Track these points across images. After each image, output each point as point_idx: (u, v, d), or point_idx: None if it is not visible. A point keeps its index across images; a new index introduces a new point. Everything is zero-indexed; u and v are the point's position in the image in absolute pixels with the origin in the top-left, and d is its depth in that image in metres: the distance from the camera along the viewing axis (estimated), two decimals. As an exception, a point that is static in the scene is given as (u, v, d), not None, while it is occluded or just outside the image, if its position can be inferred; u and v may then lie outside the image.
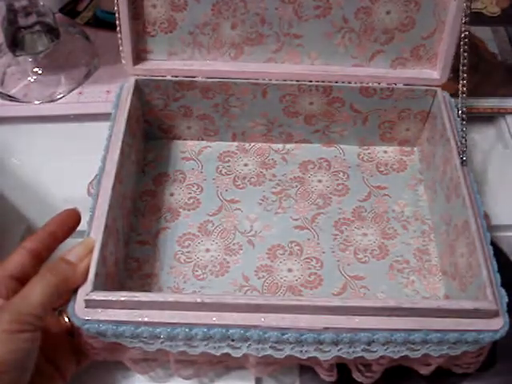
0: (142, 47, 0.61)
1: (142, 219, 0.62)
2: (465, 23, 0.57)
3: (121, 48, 0.60)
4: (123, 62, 0.61)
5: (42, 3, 0.71)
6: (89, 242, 0.49)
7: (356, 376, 0.52)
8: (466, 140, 0.57)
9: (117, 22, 0.58)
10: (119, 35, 0.59)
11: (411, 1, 0.58)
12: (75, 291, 0.48)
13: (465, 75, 0.58)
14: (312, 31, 0.60)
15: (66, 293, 0.47)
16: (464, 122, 0.57)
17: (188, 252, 0.60)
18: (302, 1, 0.58)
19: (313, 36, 0.61)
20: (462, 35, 0.57)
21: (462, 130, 0.57)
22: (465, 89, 0.58)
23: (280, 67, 0.63)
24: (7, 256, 0.49)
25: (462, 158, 0.56)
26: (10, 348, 0.42)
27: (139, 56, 0.62)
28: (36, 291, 0.45)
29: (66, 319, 0.52)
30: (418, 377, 0.53)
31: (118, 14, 0.58)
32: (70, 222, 0.52)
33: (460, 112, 0.58)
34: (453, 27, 0.58)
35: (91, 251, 0.49)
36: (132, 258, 0.59)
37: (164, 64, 0.62)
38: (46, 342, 0.48)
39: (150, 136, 0.68)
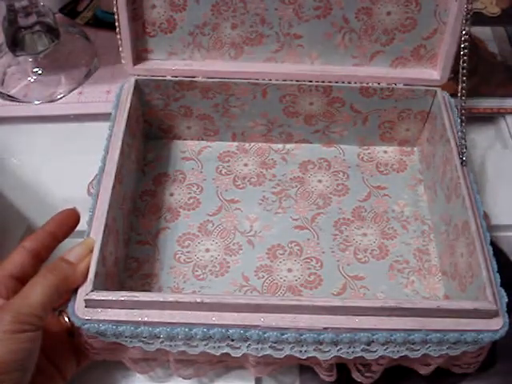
0: (141, 47, 0.61)
1: (142, 219, 0.62)
2: (466, 24, 0.57)
3: (120, 49, 0.60)
4: (123, 62, 0.61)
5: (42, 3, 0.71)
6: (89, 242, 0.49)
7: (355, 376, 0.52)
8: (465, 141, 0.57)
9: (116, 24, 0.58)
10: (119, 36, 0.59)
11: (412, 1, 0.58)
12: (75, 291, 0.48)
13: (464, 78, 0.58)
14: (312, 31, 0.60)
15: (66, 293, 0.47)
16: (463, 124, 0.57)
17: (188, 252, 0.60)
18: (302, 1, 0.58)
19: (313, 36, 0.61)
20: (463, 38, 0.57)
21: (461, 130, 0.57)
22: (464, 92, 0.58)
23: (280, 67, 0.63)
24: (7, 256, 0.49)
25: (461, 158, 0.56)
26: (11, 348, 0.42)
27: (139, 56, 0.62)
28: (36, 291, 0.45)
29: (66, 319, 0.52)
30: (418, 377, 0.53)
31: (118, 15, 0.57)
32: (69, 222, 0.52)
33: (459, 113, 0.58)
34: (454, 28, 0.58)
35: (91, 251, 0.49)
36: (132, 258, 0.59)
37: (164, 64, 0.62)
38: (47, 342, 0.48)
39: (149, 136, 0.68)
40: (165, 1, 0.58)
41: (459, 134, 0.58)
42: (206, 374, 0.55)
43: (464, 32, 0.57)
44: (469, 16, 0.56)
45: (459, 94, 0.58)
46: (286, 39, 0.61)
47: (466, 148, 0.56)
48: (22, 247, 0.49)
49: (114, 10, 0.57)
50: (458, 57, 0.59)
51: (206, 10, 0.59)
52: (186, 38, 0.61)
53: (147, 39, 0.61)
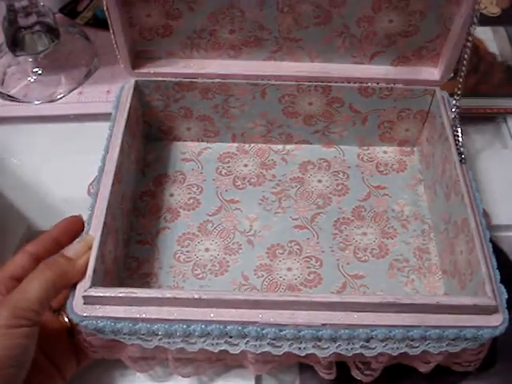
0: (139, 49, 0.61)
1: (142, 219, 0.62)
2: (470, 29, 0.57)
3: (118, 55, 0.60)
4: (122, 65, 0.61)
5: (42, 3, 0.71)
6: (88, 239, 0.50)
7: (355, 374, 0.52)
8: (462, 138, 0.57)
9: (111, 34, 0.58)
10: (115, 46, 0.59)
11: (416, 12, 0.57)
12: (74, 287, 0.48)
13: (462, 75, 0.58)
14: (312, 36, 0.60)
15: (64, 288, 0.47)
16: (457, 119, 0.58)
17: (188, 251, 0.60)
18: (301, 10, 0.58)
19: (312, 40, 0.60)
20: (466, 44, 0.57)
21: (455, 128, 0.57)
22: (460, 88, 0.58)
23: (279, 67, 0.63)
24: (7, 255, 0.50)
25: (460, 156, 0.56)
26: (5, 344, 0.42)
27: (137, 59, 0.62)
28: (33, 286, 0.45)
29: (66, 319, 0.52)
30: (418, 375, 0.53)
31: (112, 26, 0.57)
32: (73, 228, 0.52)
33: (455, 112, 0.58)
34: (459, 33, 0.57)
35: (90, 248, 0.49)
36: (132, 258, 0.59)
37: (163, 66, 0.62)
38: (46, 342, 0.48)
39: (150, 137, 0.68)
40: (160, 10, 0.58)
41: (456, 132, 0.58)
42: (206, 372, 0.54)
43: (469, 37, 0.57)
44: (474, 22, 0.56)
45: (456, 93, 0.58)
46: (286, 42, 0.61)
47: (463, 146, 0.56)
48: (24, 251, 0.50)
49: (108, 21, 0.57)
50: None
51: (203, 18, 0.59)
52: (184, 41, 0.61)
53: (145, 42, 0.61)
